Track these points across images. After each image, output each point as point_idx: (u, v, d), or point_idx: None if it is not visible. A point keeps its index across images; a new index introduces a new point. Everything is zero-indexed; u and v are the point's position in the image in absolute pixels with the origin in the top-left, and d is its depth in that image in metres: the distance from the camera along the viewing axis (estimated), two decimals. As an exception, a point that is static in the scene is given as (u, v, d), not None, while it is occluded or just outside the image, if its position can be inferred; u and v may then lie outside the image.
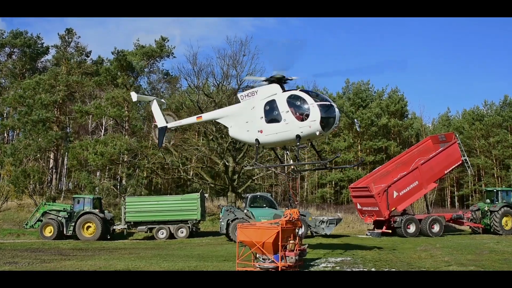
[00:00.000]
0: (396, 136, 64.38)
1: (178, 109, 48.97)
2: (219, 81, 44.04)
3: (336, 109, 18.05)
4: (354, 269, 15.92)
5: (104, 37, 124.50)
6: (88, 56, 59.45)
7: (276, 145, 21.31)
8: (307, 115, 17.82)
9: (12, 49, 59.26)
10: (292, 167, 21.71)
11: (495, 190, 36.09)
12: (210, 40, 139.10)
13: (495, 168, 62.61)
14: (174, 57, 55.44)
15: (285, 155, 22.08)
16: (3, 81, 60.04)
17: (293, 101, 18.41)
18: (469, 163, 36.51)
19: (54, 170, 51.31)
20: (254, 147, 20.93)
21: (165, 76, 59.25)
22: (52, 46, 59.52)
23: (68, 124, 55.01)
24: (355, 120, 22.73)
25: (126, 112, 47.51)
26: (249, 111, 19.98)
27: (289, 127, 18.25)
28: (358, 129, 21.57)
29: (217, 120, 23.21)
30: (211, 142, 42.24)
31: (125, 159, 45.81)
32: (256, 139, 19.56)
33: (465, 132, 63.08)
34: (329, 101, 18.32)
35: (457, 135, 38.37)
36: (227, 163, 41.68)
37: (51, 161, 51.71)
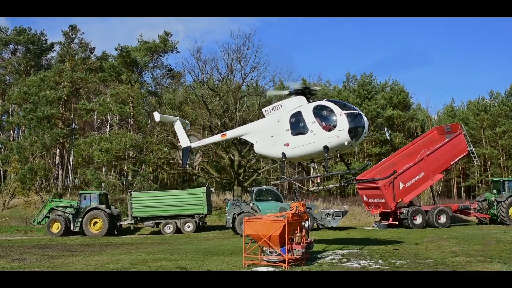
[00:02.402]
0: (400, 127, 64.12)
1: (182, 104, 49.01)
2: (224, 75, 44.11)
3: (365, 118, 17.53)
4: (361, 261, 15.94)
5: (108, 32, 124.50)
6: (92, 52, 59.62)
7: (304, 159, 20.63)
8: (335, 125, 17.22)
9: (16, 46, 59.39)
10: (318, 181, 21.05)
11: (501, 180, 36.06)
12: (214, 34, 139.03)
13: (501, 158, 62.34)
14: (178, 51, 55.44)
15: (312, 169, 21.53)
16: (8, 78, 60.13)
17: (319, 112, 17.80)
18: (475, 153, 36.49)
19: (60, 167, 51.46)
20: (281, 170, 20.52)
21: (169, 72, 59.26)
22: (56, 42, 59.71)
23: (73, 121, 55.09)
24: (386, 128, 22.08)
25: (132, 108, 47.58)
26: (274, 124, 19.38)
27: (316, 138, 17.63)
28: (388, 138, 21.20)
29: (242, 137, 22.59)
30: (216, 136, 42.23)
31: (131, 155, 45.89)
32: (283, 153, 18.88)
33: (470, 123, 62.78)
34: (356, 110, 17.71)
35: (462, 125, 38.27)
36: (232, 157, 41.71)
37: (57, 157, 51.87)
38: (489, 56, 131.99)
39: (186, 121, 26.15)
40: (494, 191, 35.52)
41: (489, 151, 60.46)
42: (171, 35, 54.90)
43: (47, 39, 60.59)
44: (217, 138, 24.70)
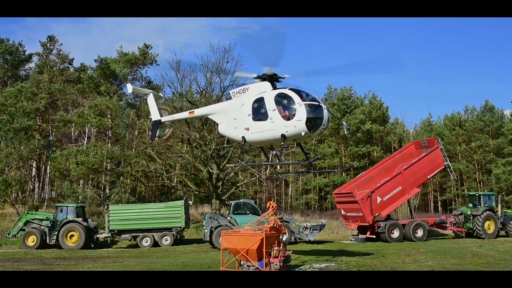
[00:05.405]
0: (378, 141, 64.68)
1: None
2: (203, 88, 44.06)
3: (325, 110, 17.65)
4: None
5: (88, 45, 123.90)
6: (70, 64, 59.08)
7: (262, 144, 21.05)
8: (294, 115, 17.48)
9: (-7, 57, 58.70)
10: (278, 168, 21.34)
11: (477, 195, 36.52)
12: (194, 48, 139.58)
13: (477, 173, 63.28)
14: (158, 64, 55.22)
15: (271, 156, 21.76)
16: (-16, 89, 59.33)
17: (280, 100, 18.09)
18: (451, 168, 36.91)
19: (36, 179, 50.80)
20: (238, 153, 20.69)
21: (148, 84, 59.00)
22: (34, 53, 59.15)
23: (50, 132, 54.47)
24: (344, 122, 22.22)
25: (110, 120, 47.25)
26: (238, 108, 19.70)
27: (274, 125, 17.93)
28: (346, 132, 21.33)
29: (208, 116, 23.00)
30: (194, 149, 42.11)
31: (108, 167, 45.48)
32: (243, 137, 19.27)
33: (445, 138, 63.58)
34: (317, 101, 17.88)
35: (439, 140, 38.72)
36: (211, 170, 41.57)
37: (34, 169, 51.22)
38: (467, 70, 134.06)
39: (160, 94, 26.25)
40: (470, 205, 35.94)
41: (465, 165, 61.28)
42: (151, 47, 54.73)
43: (25, 50, 60.06)
44: (185, 114, 24.76)
